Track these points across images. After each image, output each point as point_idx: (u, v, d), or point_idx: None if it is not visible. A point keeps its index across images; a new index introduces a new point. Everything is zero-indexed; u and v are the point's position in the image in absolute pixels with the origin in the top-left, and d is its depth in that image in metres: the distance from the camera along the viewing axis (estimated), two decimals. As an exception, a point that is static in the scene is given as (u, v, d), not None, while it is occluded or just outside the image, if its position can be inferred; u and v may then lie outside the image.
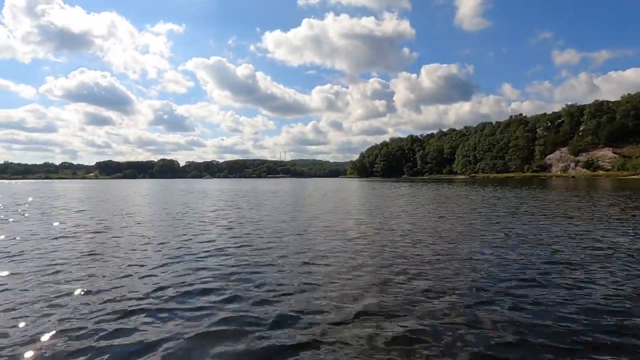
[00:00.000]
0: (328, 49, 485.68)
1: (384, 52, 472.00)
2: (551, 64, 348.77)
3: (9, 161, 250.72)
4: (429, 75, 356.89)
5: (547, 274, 5.16)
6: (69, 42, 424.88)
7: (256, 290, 4.53)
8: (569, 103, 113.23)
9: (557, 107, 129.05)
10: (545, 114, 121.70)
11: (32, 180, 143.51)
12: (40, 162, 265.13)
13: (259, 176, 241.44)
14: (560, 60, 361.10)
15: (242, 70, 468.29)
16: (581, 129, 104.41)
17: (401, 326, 3.47)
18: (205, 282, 4.87)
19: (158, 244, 7.65)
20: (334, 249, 6.95)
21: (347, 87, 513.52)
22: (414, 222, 10.79)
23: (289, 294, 4.39)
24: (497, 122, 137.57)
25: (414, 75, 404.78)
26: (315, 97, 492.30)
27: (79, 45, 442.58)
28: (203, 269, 5.59)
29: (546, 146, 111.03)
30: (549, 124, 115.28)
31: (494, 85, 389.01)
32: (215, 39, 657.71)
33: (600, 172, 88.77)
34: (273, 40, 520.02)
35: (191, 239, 8.21)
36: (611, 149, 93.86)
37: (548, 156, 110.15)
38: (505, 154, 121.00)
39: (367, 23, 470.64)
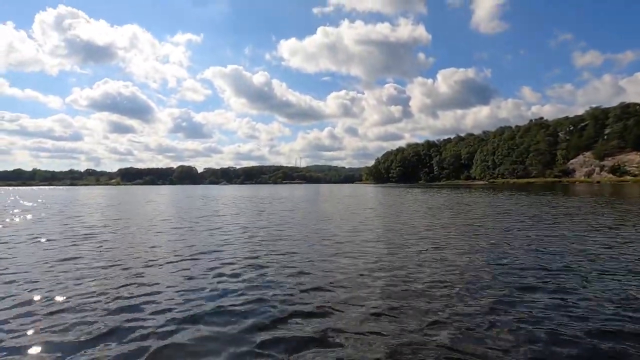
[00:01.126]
0: (343, 55, 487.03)
1: (400, 58, 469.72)
2: (572, 66, 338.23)
3: (37, 168, 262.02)
4: (446, 80, 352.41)
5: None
6: (93, 54, 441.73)
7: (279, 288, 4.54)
8: (593, 106, 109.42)
9: (579, 110, 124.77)
10: (567, 117, 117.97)
11: (59, 187, 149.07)
12: (66, 169, 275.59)
13: (275, 182, 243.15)
14: (582, 62, 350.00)
15: (258, 78, 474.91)
16: (606, 132, 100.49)
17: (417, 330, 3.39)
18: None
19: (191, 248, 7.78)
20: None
21: (363, 93, 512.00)
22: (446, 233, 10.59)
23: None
24: (516, 126, 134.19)
25: (430, 80, 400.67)
26: (330, 104, 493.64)
27: (103, 57, 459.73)
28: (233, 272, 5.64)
29: (569, 150, 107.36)
30: (571, 128, 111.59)
31: (513, 89, 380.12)
32: (232, 47, 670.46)
33: (628, 177, 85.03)
34: (288, 49, 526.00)
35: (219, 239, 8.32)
36: (639, 153, 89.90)
37: (571, 161, 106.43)
38: (526, 159, 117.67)
39: (382, 29, 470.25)
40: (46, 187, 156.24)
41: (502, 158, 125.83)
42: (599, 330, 3.53)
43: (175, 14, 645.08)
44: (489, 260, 6.50)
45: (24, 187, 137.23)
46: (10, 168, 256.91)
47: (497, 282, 5.13)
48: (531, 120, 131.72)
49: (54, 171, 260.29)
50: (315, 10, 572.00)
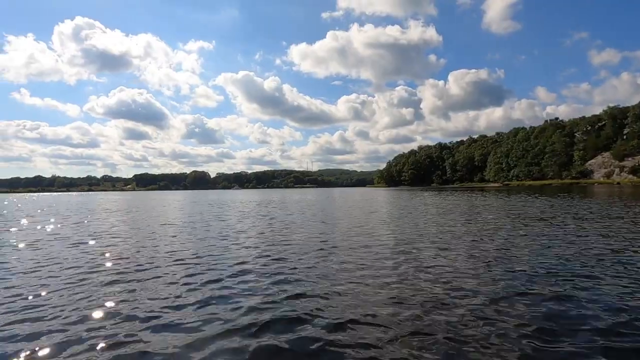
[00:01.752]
0: (353, 59, 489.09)
1: (410, 60, 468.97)
2: (588, 65, 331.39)
3: (56, 175, 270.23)
4: (457, 82, 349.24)
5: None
6: (109, 63, 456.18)
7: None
8: (611, 105, 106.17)
9: (597, 110, 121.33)
10: (584, 117, 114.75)
11: (76, 193, 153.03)
12: (83, 175, 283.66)
13: (287, 186, 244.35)
14: (599, 60, 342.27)
15: (269, 83, 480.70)
16: (625, 132, 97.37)
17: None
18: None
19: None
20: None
21: (374, 96, 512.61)
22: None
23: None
24: (531, 127, 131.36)
25: (441, 82, 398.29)
26: (341, 107, 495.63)
27: (118, 66, 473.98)
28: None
29: (586, 151, 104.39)
30: (588, 128, 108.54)
31: (527, 89, 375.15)
32: (243, 54, 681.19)
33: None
34: (299, 53, 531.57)
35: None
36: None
37: (589, 162, 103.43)
38: (541, 160, 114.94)
39: (392, 32, 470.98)
40: (64, 192, 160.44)
41: (516, 160, 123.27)
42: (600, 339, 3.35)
43: (187, 23, 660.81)
44: (498, 266, 6.30)
45: (43, 194, 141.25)
46: (31, 175, 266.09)
47: (502, 286, 4.95)
48: (546, 121, 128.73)
49: (72, 177, 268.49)
50: (324, 14, 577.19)
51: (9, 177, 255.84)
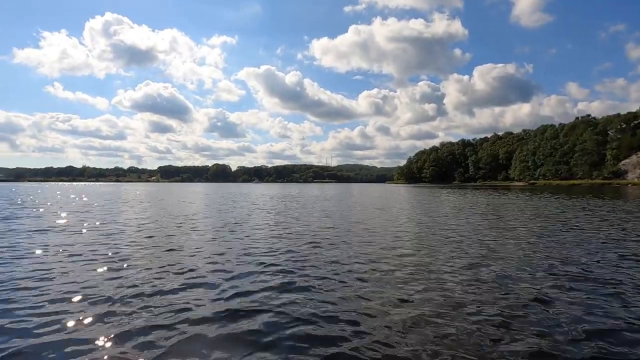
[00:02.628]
0: (375, 53, 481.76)
1: (434, 54, 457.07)
2: (625, 59, 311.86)
3: (86, 165, 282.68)
4: (483, 77, 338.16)
5: None
6: (137, 57, 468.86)
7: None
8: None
9: (633, 107, 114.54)
10: (619, 114, 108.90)
11: (105, 183, 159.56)
12: (111, 166, 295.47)
13: (306, 181, 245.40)
14: (636, 54, 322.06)
15: (291, 77, 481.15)
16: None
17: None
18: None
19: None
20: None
21: (395, 91, 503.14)
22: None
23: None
24: (560, 124, 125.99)
25: (465, 77, 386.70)
26: (362, 102, 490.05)
27: (145, 60, 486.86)
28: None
29: (620, 150, 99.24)
30: (623, 126, 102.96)
31: (557, 84, 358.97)
32: (265, 48, 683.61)
33: (689, 179, 77.37)
34: (320, 48, 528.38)
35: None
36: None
37: (622, 161, 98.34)
38: (570, 159, 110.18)
39: (416, 25, 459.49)
40: (94, 182, 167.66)
41: (543, 158, 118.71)
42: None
43: (211, 18, 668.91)
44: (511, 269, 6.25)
45: (76, 183, 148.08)
46: (63, 165, 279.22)
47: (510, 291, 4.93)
48: (577, 118, 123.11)
49: (101, 168, 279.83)
50: (346, 9, 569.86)
51: (42, 167, 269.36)
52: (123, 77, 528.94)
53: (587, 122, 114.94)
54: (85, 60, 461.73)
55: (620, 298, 4.51)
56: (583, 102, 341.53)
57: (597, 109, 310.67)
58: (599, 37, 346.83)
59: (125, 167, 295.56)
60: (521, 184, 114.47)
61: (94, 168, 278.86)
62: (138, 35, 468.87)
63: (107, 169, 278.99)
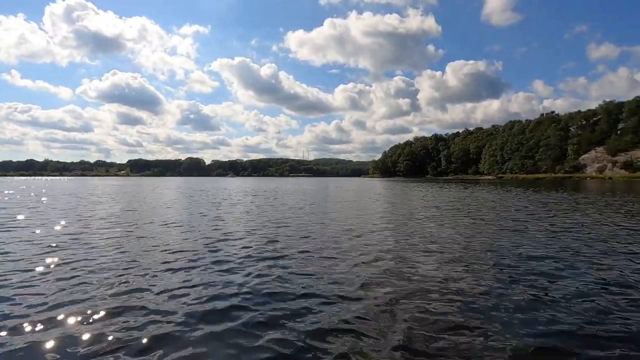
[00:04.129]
0: (351, 47, 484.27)
1: (409, 50, 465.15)
2: (587, 59, 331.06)
3: (49, 159, 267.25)
4: (455, 73, 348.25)
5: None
6: (102, 45, 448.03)
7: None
8: (607, 100, 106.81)
9: (593, 105, 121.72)
10: (579, 111, 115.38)
11: (70, 177, 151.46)
12: (77, 159, 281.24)
13: (282, 175, 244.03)
14: (597, 54, 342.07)
15: (266, 70, 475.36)
16: (620, 127, 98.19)
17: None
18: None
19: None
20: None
21: (371, 86, 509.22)
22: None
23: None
24: (527, 120, 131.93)
25: (439, 73, 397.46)
26: (338, 96, 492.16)
27: (111, 49, 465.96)
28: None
29: (580, 145, 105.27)
30: (583, 122, 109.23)
31: (525, 82, 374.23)
32: (239, 39, 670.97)
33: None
34: (296, 40, 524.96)
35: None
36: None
37: (582, 156, 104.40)
38: (536, 154, 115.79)
39: (391, 20, 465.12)
40: (57, 177, 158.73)
41: (511, 153, 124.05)
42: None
43: (182, 6, 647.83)
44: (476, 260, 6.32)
45: (35, 178, 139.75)
46: (23, 158, 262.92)
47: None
48: (542, 114, 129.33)
49: (65, 162, 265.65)
50: (322, 1, 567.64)
51: (0, 160, 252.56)
52: (88, 65, 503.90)
53: (551, 119, 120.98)
54: (45, 47, 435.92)
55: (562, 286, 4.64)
56: (548, 100, 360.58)
57: (561, 106, 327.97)
58: (564, 37, 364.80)
59: (92, 160, 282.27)
60: (490, 177, 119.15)
61: (58, 162, 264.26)
62: (104, 22, 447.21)
63: (72, 163, 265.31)
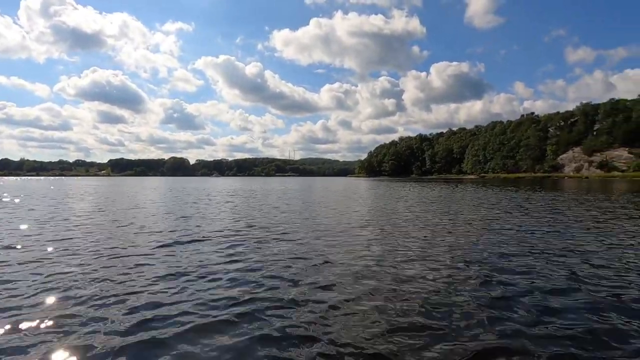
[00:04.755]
0: (337, 47, 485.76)
1: (394, 51, 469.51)
2: (565, 62, 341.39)
3: (25, 158, 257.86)
4: (439, 74, 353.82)
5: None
6: (81, 41, 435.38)
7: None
8: (583, 102, 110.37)
9: (570, 106, 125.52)
10: (558, 112, 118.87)
11: (45, 178, 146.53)
12: (55, 159, 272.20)
13: (268, 175, 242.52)
14: (574, 58, 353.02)
15: (251, 69, 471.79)
16: (596, 128, 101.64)
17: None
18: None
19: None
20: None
21: (357, 86, 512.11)
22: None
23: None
24: (508, 121, 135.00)
25: (423, 74, 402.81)
26: (324, 96, 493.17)
27: (91, 45, 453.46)
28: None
29: (558, 146, 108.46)
30: (561, 123, 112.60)
31: (506, 83, 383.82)
32: (224, 37, 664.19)
33: (615, 172, 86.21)
34: (281, 39, 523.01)
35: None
36: (627, 149, 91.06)
37: (560, 156, 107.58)
38: (516, 154, 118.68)
39: (376, 21, 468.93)
40: (34, 177, 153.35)
41: (493, 153, 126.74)
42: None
43: (165, 2, 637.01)
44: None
45: (9, 178, 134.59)
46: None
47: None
48: (522, 115, 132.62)
49: (42, 161, 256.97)
50: (307, 0, 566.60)
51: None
52: (66, 62, 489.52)
53: (531, 120, 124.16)
54: (21, 42, 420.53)
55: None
56: (528, 101, 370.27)
57: (540, 107, 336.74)
58: (543, 40, 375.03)
59: (72, 160, 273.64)
60: (473, 176, 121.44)
61: (34, 161, 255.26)
62: (83, 18, 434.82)
63: (49, 162, 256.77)
